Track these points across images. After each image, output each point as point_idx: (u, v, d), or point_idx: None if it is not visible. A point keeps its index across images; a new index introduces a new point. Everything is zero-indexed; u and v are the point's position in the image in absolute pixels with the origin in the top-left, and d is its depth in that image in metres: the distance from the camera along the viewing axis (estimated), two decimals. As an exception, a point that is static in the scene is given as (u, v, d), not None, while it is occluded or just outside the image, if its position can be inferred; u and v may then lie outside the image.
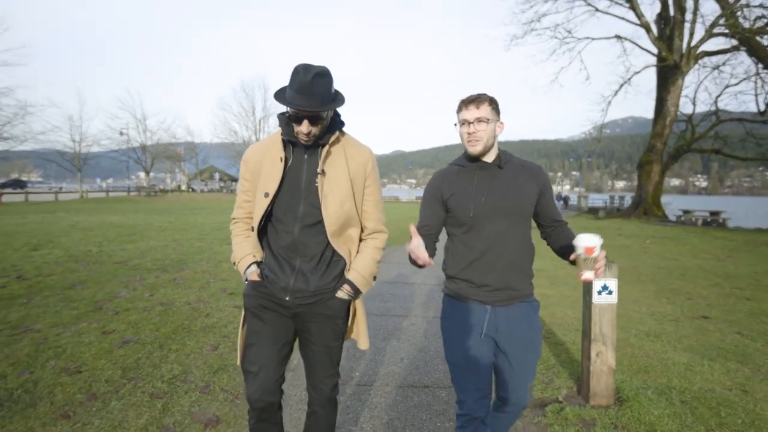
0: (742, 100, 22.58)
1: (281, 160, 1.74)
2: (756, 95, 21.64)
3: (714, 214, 21.84)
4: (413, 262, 1.73)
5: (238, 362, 1.85)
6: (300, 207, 1.73)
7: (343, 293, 1.80)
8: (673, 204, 28.65)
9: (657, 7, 23.20)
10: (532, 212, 1.87)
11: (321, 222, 1.73)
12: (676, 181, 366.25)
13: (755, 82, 21.42)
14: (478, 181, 1.83)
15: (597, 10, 23.22)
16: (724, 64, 24.47)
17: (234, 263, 1.89)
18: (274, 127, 47.97)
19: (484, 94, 1.79)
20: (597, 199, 37.10)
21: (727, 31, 20.61)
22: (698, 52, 22.45)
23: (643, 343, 4.12)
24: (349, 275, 1.80)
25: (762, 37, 19.53)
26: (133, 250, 8.85)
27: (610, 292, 2.87)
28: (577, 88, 25.47)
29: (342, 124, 1.83)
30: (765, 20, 19.41)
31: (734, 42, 20.88)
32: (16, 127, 29.14)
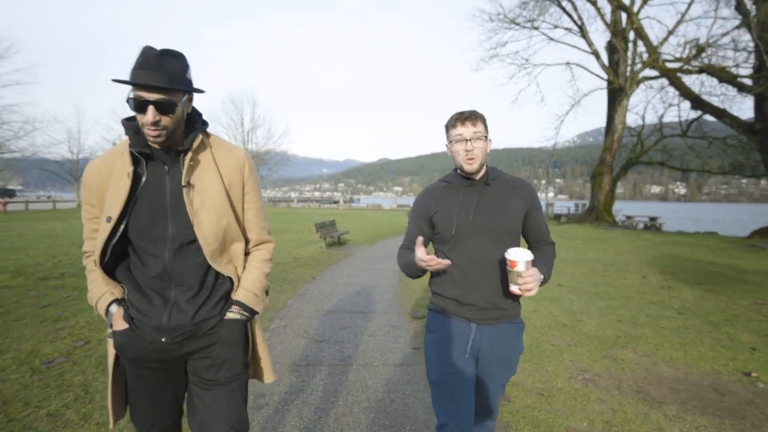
0: (686, 118, 25.70)
1: (128, 176, 1.43)
2: (679, 118, 24.86)
3: (652, 219, 24.89)
4: (410, 272, 1.80)
5: (111, 426, 1.60)
6: (168, 228, 1.46)
7: (233, 314, 1.56)
8: (623, 210, 31.78)
9: (607, 35, 26.21)
10: (518, 230, 1.85)
11: (195, 242, 1.47)
12: (656, 188, 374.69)
13: (678, 107, 24.66)
14: (464, 198, 1.82)
15: (551, 39, 26.34)
16: (669, 84, 27.82)
17: (93, 306, 1.55)
18: (262, 138, 49.59)
19: (478, 112, 1.78)
20: (563, 206, 40.18)
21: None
22: (639, 77, 25.60)
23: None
24: (237, 295, 1.57)
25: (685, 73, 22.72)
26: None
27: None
28: (556, 102, 28.59)
29: (205, 124, 1.56)
30: (679, 62, 22.73)
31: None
32: (21, 140, 31.28)
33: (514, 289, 1.67)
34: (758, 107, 20.24)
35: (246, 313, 1.59)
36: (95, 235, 1.54)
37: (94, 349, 3.91)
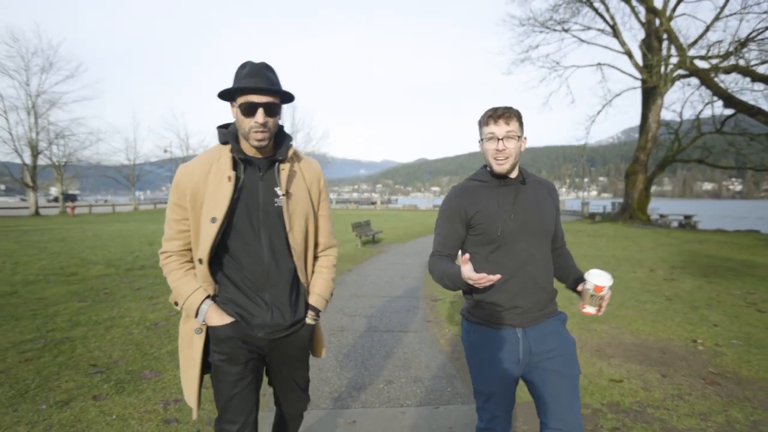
0: (723, 114, 25.50)
1: (229, 180, 1.53)
2: (713, 115, 24.63)
3: (687, 217, 24.74)
4: (452, 286, 1.72)
5: (194, 417, 1.78)
6: (261, 232, 1.58)
7: (310, 320, 1.76)
8: (660, 209, 31.51)
9: (640, 34, 26.26)
10: (553, 230, 1.85)
11: (287, 246, 1.62)
12: (708, 186, 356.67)
13: (712, 105, 24.44)
14: (504, 198, 1.76)
15: (582, 41, 26.61)
16: (701, 84, 27.52)
17: (176, 303, 1.63)
18: (302, 142, 51.44)
19: (513, 108, 1.70)
20: (599, 205, 39.97)
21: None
22: (674, 75, 25.51)
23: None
24: (312, 301, 1.76)
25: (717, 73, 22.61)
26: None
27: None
28: (587, 103, 28.90)
29: (290, 137, 1.70)
30: (709, 60, 22.64)
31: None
32: (86, 149, 34.53)
33: (590, 310, 1.69)
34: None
35: (318, 318, 1.81)
36: (181, 236, 1.61)
37: (185, 317, 5.23)
